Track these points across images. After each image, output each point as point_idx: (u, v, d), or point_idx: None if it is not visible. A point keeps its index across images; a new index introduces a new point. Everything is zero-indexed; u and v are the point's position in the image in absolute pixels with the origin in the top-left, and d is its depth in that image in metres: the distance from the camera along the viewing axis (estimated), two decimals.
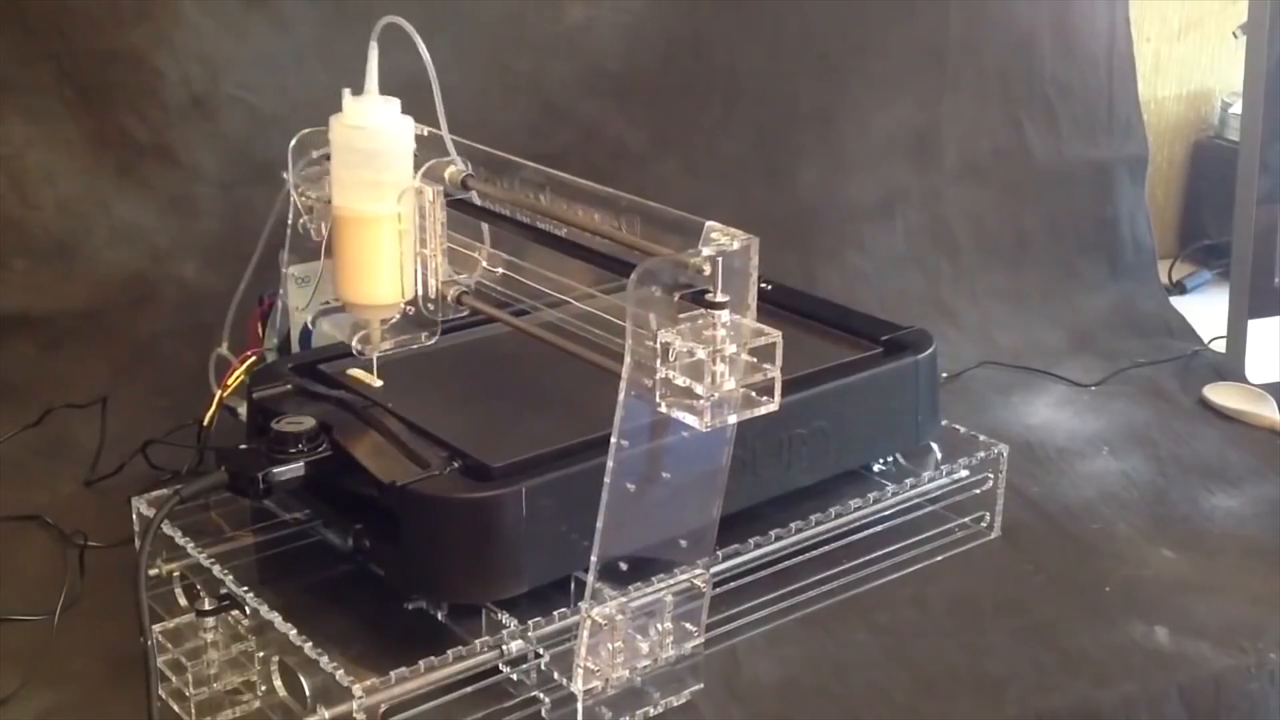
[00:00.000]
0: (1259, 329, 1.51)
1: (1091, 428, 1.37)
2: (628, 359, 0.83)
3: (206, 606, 0.92)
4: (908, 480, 1.11)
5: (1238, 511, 1.22)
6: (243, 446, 0.99)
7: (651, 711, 0.92)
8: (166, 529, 0.98)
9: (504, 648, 0.89)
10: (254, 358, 1.16)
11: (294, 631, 0.87)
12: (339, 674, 0.83)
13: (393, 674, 0.84)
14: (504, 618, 0.91)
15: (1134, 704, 0.97)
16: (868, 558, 1.08)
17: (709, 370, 0.81)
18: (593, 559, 0.86)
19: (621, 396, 0.83)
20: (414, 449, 0.96)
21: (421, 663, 0.86)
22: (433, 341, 1.06)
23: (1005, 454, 1.15)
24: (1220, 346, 1.55)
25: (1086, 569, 1.11)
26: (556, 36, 1.46)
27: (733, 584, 1.00)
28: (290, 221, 1.14)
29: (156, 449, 1.20)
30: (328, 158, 1.11)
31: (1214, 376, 1.48)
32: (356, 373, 1.08)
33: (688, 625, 0.91)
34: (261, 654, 0.90)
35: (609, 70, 1.48)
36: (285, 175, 1.13)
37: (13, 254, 1.31)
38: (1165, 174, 1.97)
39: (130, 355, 1.32)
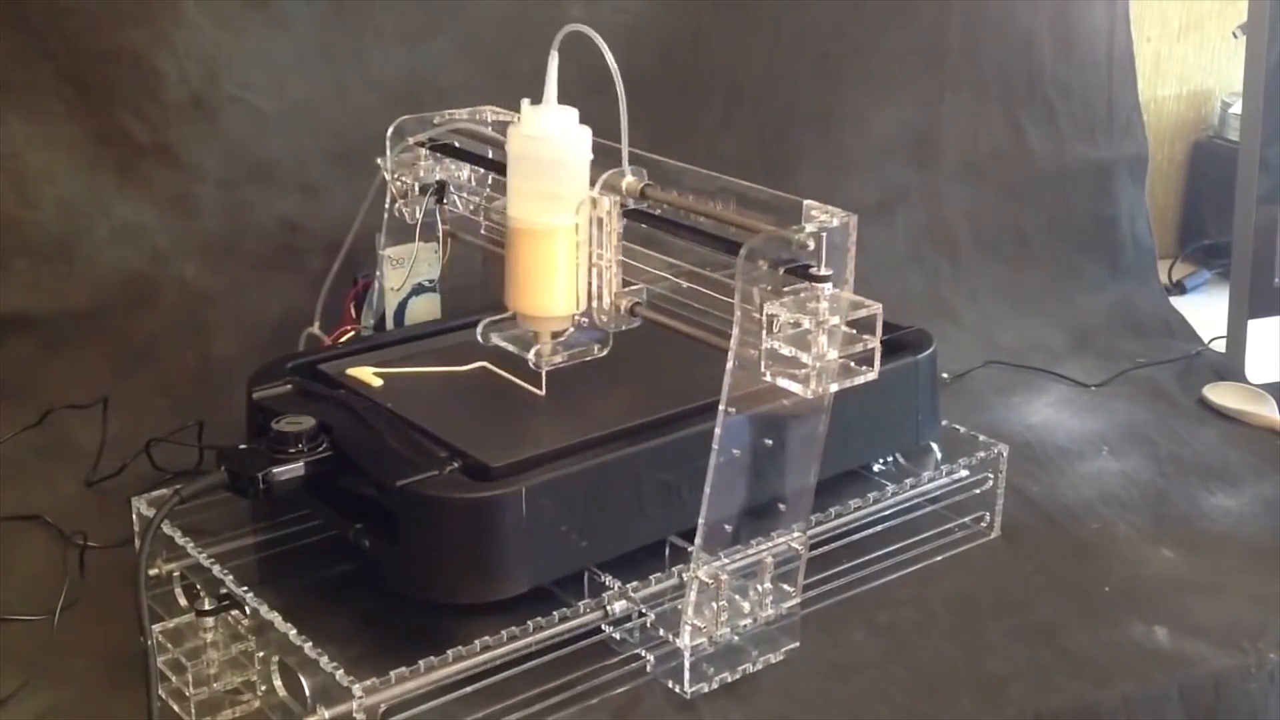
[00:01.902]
0: (1259, 329, 1.51)
1: (1091, 428, 1.37)
2: (736, 330, 0.88)
3: (206, 606, 0.92)
4: (908, 480, 1.11)
5: (1238, 511, 1.22)
6: (243, 446, 0.99)
7: (750, 668, 0.95)
8: (166, 529, 0.98)
9: (608, 608, 0.93)
10: (352, 333, 1.20)
11: (294, 631, 0.87)
12: (339, 674, 0.83)
13: (393, 674, 0.84)
14: (607, 579, 0.94)
15: (1134, 704, 0.97)
16: (868, 558, 1.08)
17: (813, 340, 0.86)
18: (700, 522, 0.90)
19: (730, 365, 0.88)
20: (414, 449, 0.96)
21: (421, 662, 0.86)
22: (604, 353, 1.04)
23: (1005, 454, 1.15)
24: (1220, 346, 1.55)
25: (1086, 569, 1.11)
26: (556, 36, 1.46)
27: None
28: (386, 206, 1.18)
29: (158, 448, 1.20)
30: (422, 144, 1.17)
31: (1214, 376, 1.48)
32: (356, 372, 1.08)
33: (785, 586, 0.95)
34: (261, 654, 0.91)
35: (609, 70, 1.48)
36: (380, 161, 1.17)
37: (13, 254, 1.31)
38: (1165, 174, 1.97)
39: (130, 355, 1.32)
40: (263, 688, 0.91)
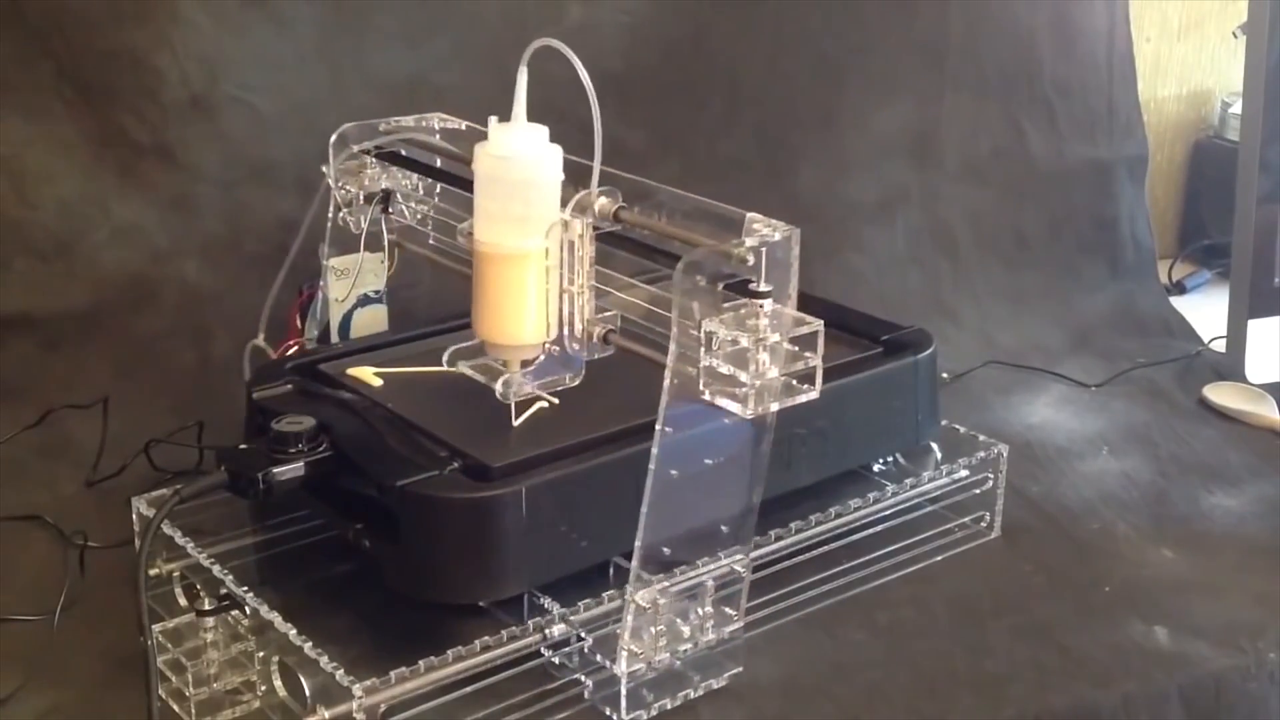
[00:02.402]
0: (1259, 329, 1.51)
1: (1091, 428, 1.37)
2: (673, 347, 0.85)
3: (206, 606, 0.92)
4: (908, 480, 1.11)
5: (1238, 511, 1.22)
6: (243, 446, 0.99)
7: (692, 694, 0.93)
8: (166, 529, 0.98)
9: (546, 631, 0.91)
10: (295, 347, 1.17)
11: (294, 631, 0.87)
12: (339, 674, 0.83)
13: (393, 674, 0.84)
14: (546, 602, 0.92)
15: (1134, 704, 0.97)
16: (868, 558, 1.08)
17: (752, 358, 0.84)
18: (637, 544, 0.87)
19: (667, 384, 0.86)
20: (414, 449, 0.96)
21: (421, 663, 0.86)
22: (577, 383, 1.00)
23: (1005, 454, 1.15)
24: (1220, 346, 1.55)
25: (1086, 569, 1.11)
26: (556, 36, 1.45)
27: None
28: (330, 215, 1.16)
29: (158, 449, 1.20)
30: (367, 152, 1.14)
31: (1214, 376, 1.48)
32: (356, 372, 1.08)
33: (727, 609, 0.93)
34: (261, 654, 0.91)
35: (609, 70, 1.48)
36: (325, 169, 1.15)
37: (13, 254, 1.31)
38: (1165, 174, 1.97)
39: (130, 355, 1.32)
40: (263, 688, 0.91)
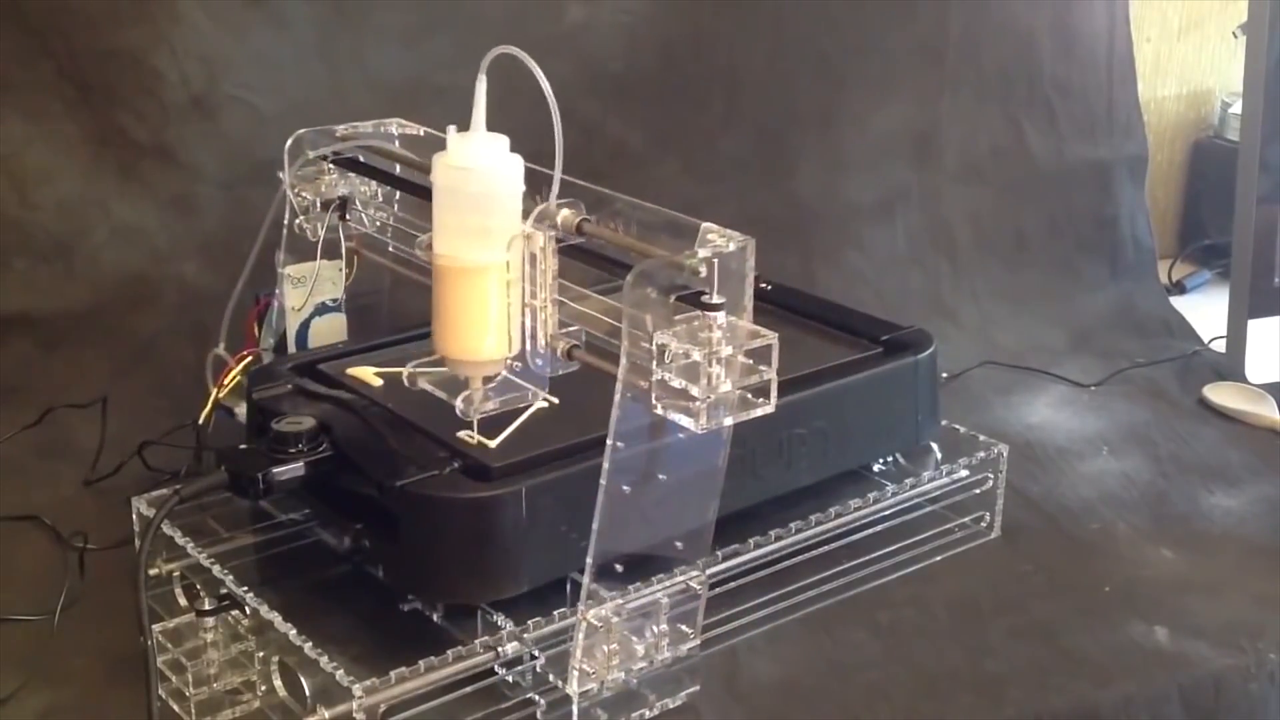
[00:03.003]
0: (1259, 329, 1.51)
1: (1091, 428, 1.37)
2: (623, 361, 0.83)
3: (206, 606, 0.92)
4: (908, 480, 1.11)
5: (1238, 511, 1.22)
6: (243, 446, 0.99)
7: (648, 714, 0.92)
8: (166, 529, 0.98)
9: (499, 649, 0.89)
10: (250, 358, 1.15)
11: (294, 631, 0.87)
12: (339, 674, 0.83)
13: (393, 674, 0.84)
14: (499, 619, 0.91)
15: (1134, 704, 0.97)
16: (868, 558, 1.08)
17: (705, 372, 0.81)
18: (588, 561, 0.86)
19: (617, 398, 0.83)
20: (414, 449, 0.96)
21: (421, 663, 0.86)
22: (539, 401, 0.97)
23: (1005, 454, 1.15)
24: (1220, 346, 1.55)
25: (1086, 569, 1.11)
26: (556, 36, 1.46)
27: (732, 584, 1.00)
28: (286, 222, 1.14)
29: (155, 449, 1.20)
30: (324, 158, 1.12)
31: (1214, 376, 1.48)
32: (356, 372, 1.08)
33: (683, 627, 0.91)
34: (261, 654, 0.91)
35: (609, 70, 1.48)
36: (281, 175, 1.13)
37: (13, 254, 1.31)
38: (1165, 174, 1.97)
39: (130, 355, 1.32)
40: (263, 688, 0.91)
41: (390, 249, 1.13)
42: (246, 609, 0.90)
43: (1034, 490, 1.23)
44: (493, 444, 0.96)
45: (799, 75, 1.57)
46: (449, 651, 0.87)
